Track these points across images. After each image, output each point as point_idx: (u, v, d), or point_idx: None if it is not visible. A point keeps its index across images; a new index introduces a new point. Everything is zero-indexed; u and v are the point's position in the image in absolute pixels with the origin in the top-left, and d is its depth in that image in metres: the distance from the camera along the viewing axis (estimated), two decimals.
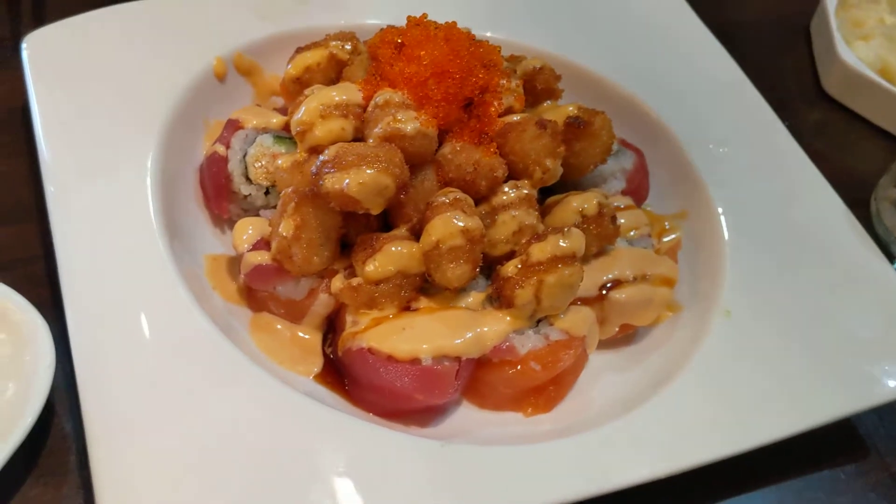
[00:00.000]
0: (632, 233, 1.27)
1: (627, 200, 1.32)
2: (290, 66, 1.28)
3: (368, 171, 1.05)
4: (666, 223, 1.37)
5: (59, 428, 1.08)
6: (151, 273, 1.09)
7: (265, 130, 1.27)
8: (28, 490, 1.03)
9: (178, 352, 1.03)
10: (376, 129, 1.11)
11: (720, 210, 1.34)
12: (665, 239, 1.34)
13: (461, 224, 1.08)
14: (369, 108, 1.14)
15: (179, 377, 1.01)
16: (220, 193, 1.24)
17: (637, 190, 1.36)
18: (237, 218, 1.23)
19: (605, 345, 1.24)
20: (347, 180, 1.04)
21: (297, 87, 1.27)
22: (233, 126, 1.27)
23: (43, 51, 1.31)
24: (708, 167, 1.39)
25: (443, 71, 1.13)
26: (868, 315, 1.23)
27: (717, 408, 1.10)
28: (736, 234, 1.31)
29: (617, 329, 1.22)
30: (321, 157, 1.08)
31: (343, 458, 0.97)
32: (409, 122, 1.10)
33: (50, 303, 1.15)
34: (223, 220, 1.28)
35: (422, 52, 1.14)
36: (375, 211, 1.08)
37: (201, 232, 1.26)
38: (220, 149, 1.24)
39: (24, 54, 1.30)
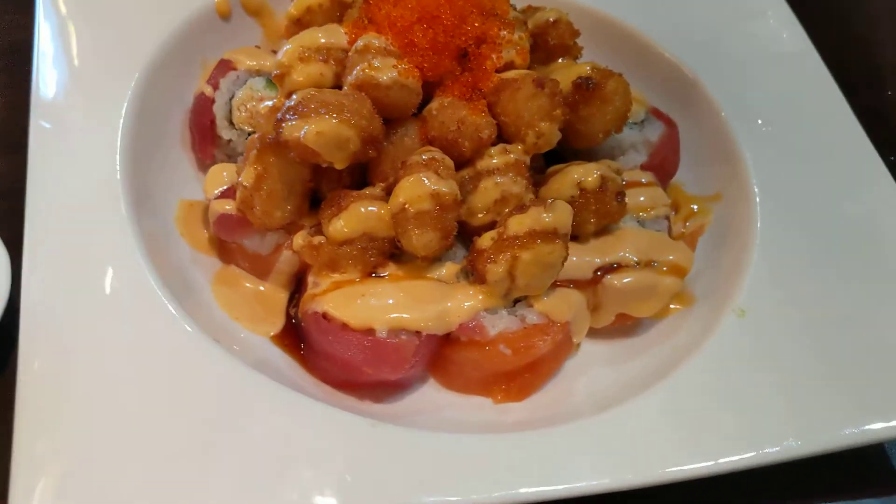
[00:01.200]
0: (643, 213, 1.13)
1: (648, 176, 1.18)
2: (292, 7, 1.20)
3: (329, 121, 0.96)
4: (694, 206, 1.23)
5: (14, 366, 1.06)
6: (108, 219, 1.03)
7: (258, 73, 1.20)
8: None
9: (122, 305, 0.98)
10: (349, 77, 1.01)
11: (757, 194, 1.18)
12: (689, 223, 1.20)
13: (432, 187, 0.97)
14: (350, 53, 1.05)
15: (118, 329, 0.96)
16: (205, 137, 1.18)
17: (662, 165, 1.21)
18: None
19: (600, 334, 1.12)
20: (306, 129, 0.95)
21: (298, 28, 1.18)
22: (225, 66, 1.20)
23: None
24: (751, 146, 1.23)
25: (431, 16, 1.03)
26: None
27: (705, 419, 0.97)
28: (770, 224, 1.16)
29: (613, 318, 1.10)
30: (287, 103, 0.99)
31: (263, 428, 0.90)
32: (386, 71, 1.00)
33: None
34: (207, 165, 1.21)
35: None
36: (339, 165, 0.99)
37: (184, 176, 1.20)
38: (208, 90, 1.18)
39: None
